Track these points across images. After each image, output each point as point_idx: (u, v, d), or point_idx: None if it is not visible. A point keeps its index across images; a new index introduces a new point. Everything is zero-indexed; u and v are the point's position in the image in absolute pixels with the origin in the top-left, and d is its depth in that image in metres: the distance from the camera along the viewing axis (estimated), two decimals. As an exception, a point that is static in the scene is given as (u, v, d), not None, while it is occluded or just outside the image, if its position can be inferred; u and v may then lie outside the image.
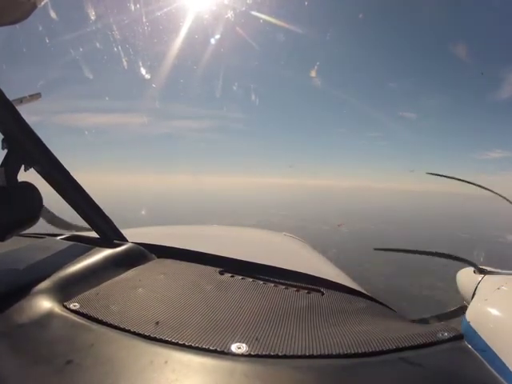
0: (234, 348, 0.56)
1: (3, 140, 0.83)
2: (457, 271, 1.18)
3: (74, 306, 0.68)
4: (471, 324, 0.60)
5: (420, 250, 0.97)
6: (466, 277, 1.05)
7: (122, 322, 0.63)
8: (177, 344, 0.57)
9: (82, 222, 1.04)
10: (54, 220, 1.05)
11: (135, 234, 1.19)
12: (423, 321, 0.88)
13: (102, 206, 1.05)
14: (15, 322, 0.59)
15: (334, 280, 0.96)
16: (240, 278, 0.94)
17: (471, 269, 1.04)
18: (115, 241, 1.05)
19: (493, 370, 0.51)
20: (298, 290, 0.88)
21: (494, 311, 0.63)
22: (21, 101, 0.96)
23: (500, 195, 1.07)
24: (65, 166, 0.94)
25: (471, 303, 0.70)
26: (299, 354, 0.55)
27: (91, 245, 0.98)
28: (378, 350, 0.56)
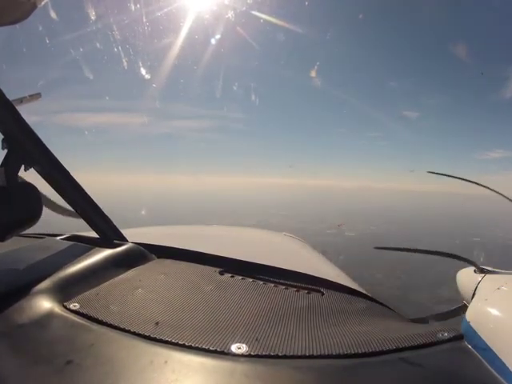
0: (234, 348, 0.56)
1: (3, 140, 0.83)
2: (457, 271, 1.18)
3: (74, 306, 0.68)
4: (471, 324, 0.60)
5: (420, 249, 0.97)
6: (466, 276, 1.05)
7: (122, 322, 0.63)
8: (177, 344, 0.57)
9: (82, 223, 1.04)
10: (55, 207, 1.04)
11: (135, 234, 1.19)
12: (423, 321, 0.88)
13: (101, 206, 1.05)
14: (15, 322, 0.59)
15: (334, 280, 0.96)
16: (240, 278, 0.94)
17: (471, 268, 1.03)
18: (115, 241, 1.05)
19: (493, 370, 0.51)
20: (297, 290, 0.88)
21: (494, 311, 0.63)
22: (21, 101, 0.96)
23: (501, 194, 1.07)
24: (65, 165, 0.94)
25: (471, 303, 0.70)
26: (299, 354, 0.55)
27: (91, 245, 0.98)
28: (378, 350, 0.56)
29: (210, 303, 0.76)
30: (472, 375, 0.52)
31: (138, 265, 0.97)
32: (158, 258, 1.07)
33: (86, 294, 0.75)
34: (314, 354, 0.55)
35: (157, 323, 0.63)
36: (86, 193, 1.00)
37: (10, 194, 0.82)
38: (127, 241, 1.07)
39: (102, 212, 1.05)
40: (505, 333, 0.56)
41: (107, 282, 0.82)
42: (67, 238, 1.11)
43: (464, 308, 0.66)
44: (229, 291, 0.84)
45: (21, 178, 0.86)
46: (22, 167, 0.86)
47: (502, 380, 0.49)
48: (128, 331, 0.60)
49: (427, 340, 0.58)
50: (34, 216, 0.88)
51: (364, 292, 0.93)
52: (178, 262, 1.05)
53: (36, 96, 1.04)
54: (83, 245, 0.98)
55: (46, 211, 0.92)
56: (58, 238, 1.12)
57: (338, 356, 0.55)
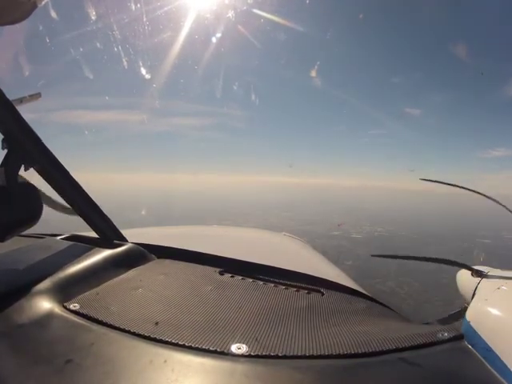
0: (233, 348, 0.56)
1: (3, 140, 0.83)
2: (457, 271, 1.17)
3: (74, 306, 0.68)
4: (471, 324, 0.60)
5: (417, 256, 0.97)
6: (466, 277, 1.05)
7: (121, 323, 0.63)
8: (177, 344, 0.57)
9: (82, 223, 1.04)
10: (53, 204, 1.04)
11: (135, 234, 1.19)
12: (423, 321, 0.88)
13: (101, 206, 1.04)
14: (15, 322, 0.59)
15: (334, 280, 0.96)
16: (240, 278, 0.94)
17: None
18: (115, 241, 1.05)
19: (493, 370, 0.51)
20: (297, 291, 0.88)
21: (494, 311, 0.63)
22: (21, 101, 0.96)
23: (496, 201, 1.07)
24: (64, 164, 0.94)
25: (471, 303, 0.70)
26: (299, 354, 0.55)
27: (91, 245, 0.98)
28: (378, 350, 0.56)
29: (210, 303, 0.76)
30: (472, 375, 0.52)
31: (138, 265, 0.97)
32: (158, 258, 1.07)
33: (86, 294, 0.75)
34: (314, 354, 0.55)
35: (157, 323, 0.63)
36: (85, 193, 1.00)
37: (10, 193, 0.82)
38: (127, 241, 1.07)
39: (102, 212, 1.05)
40: (505, 332, 0.56)
41: (107, 282, 0.82)
42: (67, 238, 1.10)
43: (465, 310, 0.66)
44: (229, 291, 0.84)
45: (21, 177, 0.86)
46: (22, 167, 0.86)
47: (503, 380, 0.49)
48: (128, 331, 0.60)
49: (427, 340, 0.58)
50: (34, 216, 0.88)
51: (364, 292, 0.93)
52: (177, 262, 1.05)
53: (36, 96, 1.04)
54: (83, 245, 0.98)
55: (45, 211, 0.92)
56: (58, 237, 1.12)
57: (338, 356, 0.55)
